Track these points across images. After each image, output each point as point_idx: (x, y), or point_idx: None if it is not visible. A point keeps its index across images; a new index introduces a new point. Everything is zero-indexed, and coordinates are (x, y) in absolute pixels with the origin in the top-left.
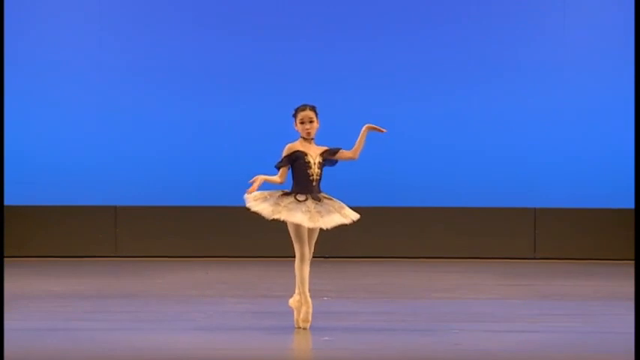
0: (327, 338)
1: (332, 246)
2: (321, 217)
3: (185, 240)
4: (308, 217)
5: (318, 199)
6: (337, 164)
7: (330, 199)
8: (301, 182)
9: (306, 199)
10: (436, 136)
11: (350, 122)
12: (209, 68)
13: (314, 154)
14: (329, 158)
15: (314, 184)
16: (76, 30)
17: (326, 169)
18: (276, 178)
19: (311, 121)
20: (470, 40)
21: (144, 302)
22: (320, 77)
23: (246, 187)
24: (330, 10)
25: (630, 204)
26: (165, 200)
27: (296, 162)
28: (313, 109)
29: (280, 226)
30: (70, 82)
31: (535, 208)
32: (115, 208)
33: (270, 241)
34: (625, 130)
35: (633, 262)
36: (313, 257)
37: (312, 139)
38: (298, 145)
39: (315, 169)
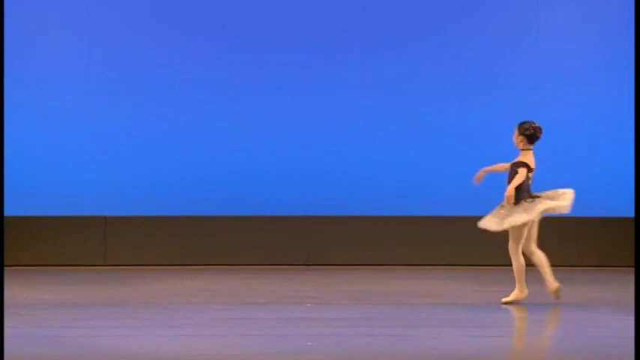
0: (309, 343)
1: (315, 254)
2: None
3: (172, 249)
4: (495, 222)
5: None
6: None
7: (501, 206)
8: None
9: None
10: (417, 147)
11: (333, 134)
12: (198, 80)
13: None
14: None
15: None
16: (65, 43)
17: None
18: (500, 167)
19: (514, 134)
20: (454, 52)
21: (131, 310)
22: (305, 89)
23: (228, 197)
24: (315, 23)
25: (611, 212)
26: (153, 211)
27: None
28: (518, 125)
29: (264, 235)
30: (58, 94)
31: None
32: (104, 218)
33: (255, 251)
34: (606, 140)
35: (613, 268)
36: (295, 265)
37: (521, 149)
38: None
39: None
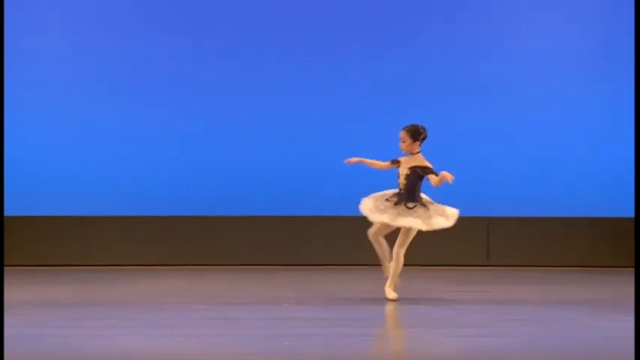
0: (287, 344)
1: (293, 255)
2: (377, 212)
3: (168, 249)
4: (369, 209)
5: (396, 204)
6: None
7: (412, 208)
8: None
9: (389, 200)
10: (393, 147)
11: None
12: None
13: (405, 166)
14: (421, 174)
15: (402, 192)
16: (55, 43)
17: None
18: (376, 163)
19: (403, 141)
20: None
21: (113, 310)
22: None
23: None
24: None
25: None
26: (135, 210)
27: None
28: (406, 130)
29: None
30: (54, 94)
31: (488, 217)
32: (82, 218)
33: (239, 250)
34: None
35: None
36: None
37: (412, 153)
38: (404, 157)
39: (401, 180)
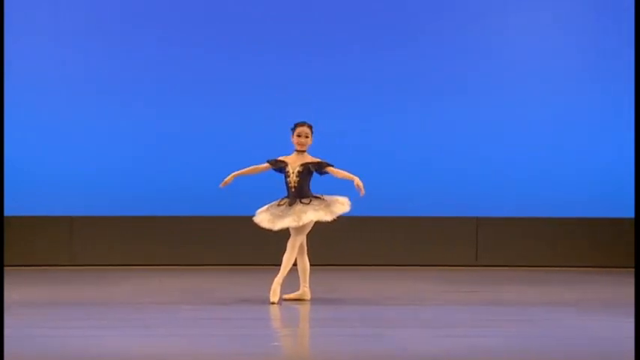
0: (276, 344)
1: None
2: (277, 220)
3: (140, 249)
4: (268, 220)
5: (290, 205)
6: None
7: (308, 203)
8: (286, 189)
9: (281, 204)
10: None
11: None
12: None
13: (295, 164)
14: (315, 170)
15: (293, 190)
16: (40, 44)
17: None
18: (254, 169)
19: (306, 137)
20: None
21: (99, 310)
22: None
23: (195, 197)
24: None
25: (568, 213)
26: (120, 211)
27: (282, 171)
28: (310, 126)
29: (233, 235)
30: (26, 91)
31: (477, 217)
32: (70, 218)
33: (224, 250)
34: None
35: (567, 269)
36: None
37: (304, 151)
38: (288, 157)
39: (292, 178)
